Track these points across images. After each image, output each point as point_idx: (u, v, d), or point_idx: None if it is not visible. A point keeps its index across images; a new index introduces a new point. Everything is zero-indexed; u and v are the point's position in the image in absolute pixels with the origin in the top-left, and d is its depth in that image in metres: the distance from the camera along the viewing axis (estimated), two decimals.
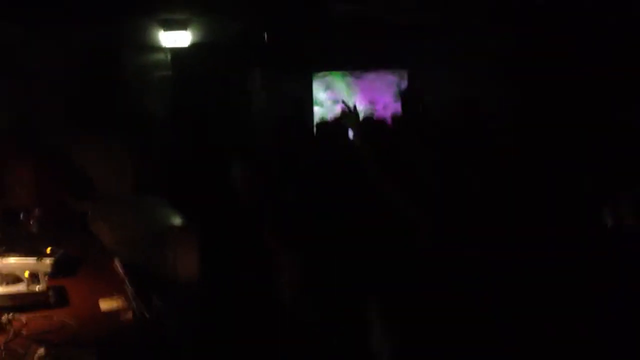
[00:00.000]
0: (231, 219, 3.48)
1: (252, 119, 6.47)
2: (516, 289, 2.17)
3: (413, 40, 6.60)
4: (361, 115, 3.19)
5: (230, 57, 6.44)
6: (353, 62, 7.08)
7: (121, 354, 2.22)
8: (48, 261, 2.71)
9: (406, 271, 2.35)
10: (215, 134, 6.02)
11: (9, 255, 2.67)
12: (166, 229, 3.00)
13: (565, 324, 2.06)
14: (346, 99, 3.29)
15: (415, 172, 2.74)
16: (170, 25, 6.47)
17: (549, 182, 2.69)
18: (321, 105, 7.23)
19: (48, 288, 2.62)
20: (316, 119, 6.84)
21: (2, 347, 2.16)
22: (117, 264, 2.70)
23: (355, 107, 3.08)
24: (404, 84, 7.23)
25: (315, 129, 5.12)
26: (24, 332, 2.32)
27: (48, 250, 2.84)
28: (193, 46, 6.57)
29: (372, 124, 3.51)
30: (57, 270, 2.78)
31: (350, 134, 3.29)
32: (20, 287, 2.60)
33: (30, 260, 2.66)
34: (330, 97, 7.20)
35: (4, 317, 2.37)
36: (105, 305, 2.58)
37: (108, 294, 2.64)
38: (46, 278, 2.65)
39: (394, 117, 3.96)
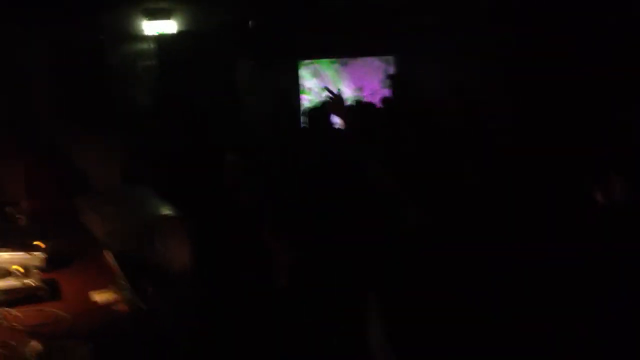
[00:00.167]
0: (221, 208, 3.48)
1: (238, 108, 6.44)
2: (512, 281, 2.18)
3: (399, 26, 6.59)
4: (349, 102, 3.20)
5: (216, 45, 6.40)
6: (340, 48, 7.06)
7: (115, 346, 2.21)
8: (40, 255, 2.70)
9: (403, 268, 2.36)
10: (202, 124, 5.99)
11: (0, 250, 2.66)
12: (157, 219, 2.99)
13: (561, 314, 2.08)
14: (334, 86, 3.29)
15: (405, 155, 2.75)
16: (154, 15, 6.40)
17: (542, 169, 2.71)
18: (309, 92, 7.22)
19: (41, 281, 2.61)
20: (305, 106, 6.83)
21: None
22: (109, 255, 2.69)
23: (339, 93, 3.07)
24: (391, 70, 7.23)
25: (303, 117, 5.12)
26: (18, 326, 2.31)
27: (39, 243, 2.83)
28: (177, 35, 6.51)
29: (361, 108, 3.51)
30: (50, 264, 2.77)
31: (338, 121, 3.29)
32: (13, 282, 2.59)
33: (22, 255, 2.64)
34: (318, 84, 7.19)
35: None
36: (99, 297, 2.57)
37: (101, 286, 2.63)
38: (39, 272, 2.63)
39: (385, 100, 3.97)
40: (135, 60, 6.46)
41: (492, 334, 2.08)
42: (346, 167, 2.98)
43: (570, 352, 2.01)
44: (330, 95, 3.04)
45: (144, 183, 3.71)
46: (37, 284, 2.59)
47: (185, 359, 2.17)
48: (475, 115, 3.40)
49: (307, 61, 7.25)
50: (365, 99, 5.83)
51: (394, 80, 3.64)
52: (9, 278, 2.61)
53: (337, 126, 4.02)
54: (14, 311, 2.41)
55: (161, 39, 6.39)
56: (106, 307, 2.50)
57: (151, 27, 6.42)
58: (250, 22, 6.55)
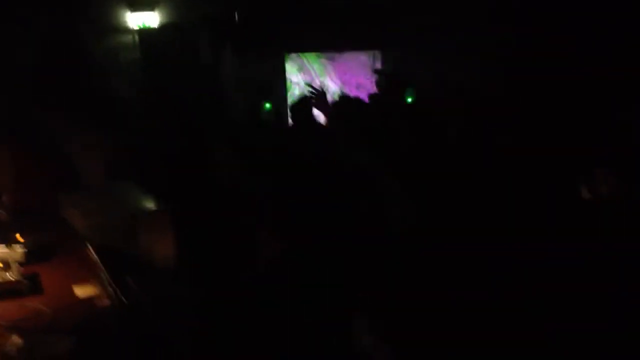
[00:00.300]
0: (204, 201, 3.46)
1: (223, 101, 6.41)
2: (506, 279, 2.19)
3: (386, 20, 6.59)
4: (335, 96, 3.21)
5: (200, 37, 6.35)
6: (326, 42, 7.05)
7: (98, 340, 2.19)
8: (20, 249, 2.66)
9: (393, 265, 2.36)
10: (185, 116, 5.95)
11: None
12: (140, 213, 2.97)
13: (552, 311, 2.09)
14: (320, 80, 3.30)
15: (392, 151, 2.75)
16: (137, 6, 6.33)
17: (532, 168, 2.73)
18: (296, 86, 7.20)
19: (21, 276, 2.57)
20: (292, 100, 6.81)
21: None
22: (91, 249, 2.66)
23: (322, 88, 3.08)
24: (377, 64, 7.23)
25: (289, 110, 5.11)
26: None
27: (19, 237, 2.79)
28: (161, 27, 6.45)
29: (346, 102, 3.51)
30: (30, 258, 2.74)
31: (320, 115, 3.29)
32: None
33: (2, 248, 2.61)
34: (304, 78, 7.17)
35: None
36: (81, 291, 2.55)
37: (83, 281, 2.60)
38: (19, 266, 2.60)
39: (372, 96, 3.97)
40: (118, 52, 6.39)
41: (485, 332, 2.09)
42: (329, 162, 2.98)
43: (559, 351, 2.02)
44: (313, 90, 3.04)
45: (128, 178, 3.68)
46: (17, 278, 2.56)
47: (168, 353, 2.16)
48: (474, 114, 3.41)
49: (293, 55, 7.23)
50: (350, 94, 5.83)
51: (380, 76, 3.64)
52: None
53: (319, 120, 4.02)
54: None
55: (145, 32, 6.33)
56: (88, 301, 2.47)
57: (135, 19, 6.34)
58: (236, 15, 6.51)
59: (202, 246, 2.98)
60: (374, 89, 4.70)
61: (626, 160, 2.53)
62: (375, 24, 6.63)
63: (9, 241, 2.72)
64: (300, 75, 7.22)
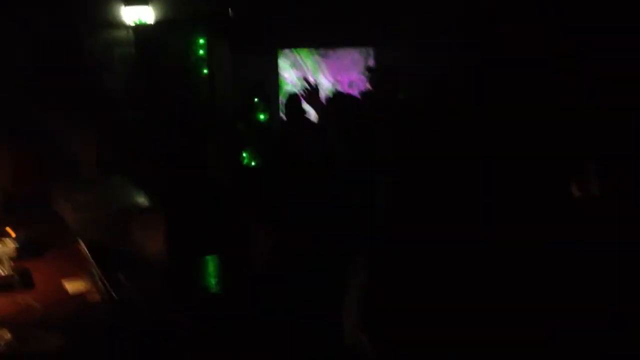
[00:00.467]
0: (196, 197, 3.46)
1: (216, 97, 6.40)
2: (489, 272, 2.21)
3: (379, 17, 6.59)
4: (328, 93, 3.22)
5: (195, 32, 6.34)
6: (319, 39, 7.04)
7: (88, 336, 2.20)
8: (12, 243, 2.66)
9: (380, 257, 2.37)
10: (178, 111, 5.95)
11: None
12: (130, 208, 2.97)
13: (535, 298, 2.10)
14: (313, 76, 3.31)
15: (382, 146, 2.76)
16: (131, 0, 6.29)
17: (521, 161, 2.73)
18: (289, 82, 7.19)
19: (12, 270, 2.57)
20: (285, 96, 6.81)
21: None
22: (82, 244, 2.66)
23: (315, 84, 3.09)
24: (371, 61, 7.23)
25: (283, 106, 5.11)
26: None
27: (10, 231, 2.79)
28: (155, 22, 6.42)
29: (339, 98, 3.52)
30: (21, 252, 2.74)
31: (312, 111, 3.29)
32: None
33: None
34: (297, 74, 7.16)
35: None
36: (72, 286, 2.55)
37: (74, 276, 2.60)
38: (10, 260, 2.60)
39: (364, 93, 3.97)
40: (113, 46, 6.36)
41: (481, 332, 2.11)
42: (320, 157, 3.00)
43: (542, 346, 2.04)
44: (307, 85, 3.06)
45: (120, 172, 3.68)
46: (8, 272, 2.56)
47: (159, 348, 2.17)
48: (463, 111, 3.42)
49: (286, 51, 7.22)
50: (343, 91, 5.83)
51: (372, 73, 3.65)
52: None
53: (311, 116, 4.03)
54: None
55: (139, 27, 6.30)
56: (78, 296, 2.47)
57: (129, 14, 6.31)
58: (230, 10, 6.49)
59: (194, 243, 2.99)
60: (366, 86, 4.71)
61: (622, 153, 2.52)
62: (368, 21, 6.63)
63: (1, 235, 2.72)
64: (293, 72, 7.21)
